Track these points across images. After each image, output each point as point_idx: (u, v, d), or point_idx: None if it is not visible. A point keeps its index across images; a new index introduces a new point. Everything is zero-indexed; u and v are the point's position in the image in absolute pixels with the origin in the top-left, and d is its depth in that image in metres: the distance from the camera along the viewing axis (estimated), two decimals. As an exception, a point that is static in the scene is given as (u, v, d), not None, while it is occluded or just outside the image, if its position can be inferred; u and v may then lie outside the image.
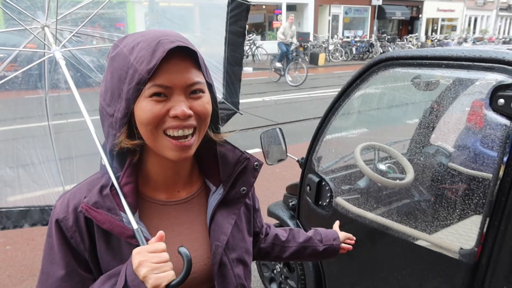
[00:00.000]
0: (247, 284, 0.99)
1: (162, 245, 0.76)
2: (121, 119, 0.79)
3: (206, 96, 0.83)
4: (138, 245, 0.80)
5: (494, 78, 1.24)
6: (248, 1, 1.98)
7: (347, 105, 1.91)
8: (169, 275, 0.74)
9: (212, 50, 2.12)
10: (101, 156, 0.89)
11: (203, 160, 0.97)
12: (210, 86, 0.86)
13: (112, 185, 0.83)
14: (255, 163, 0.95)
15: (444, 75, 1.59)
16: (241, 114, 2.20)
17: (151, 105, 0.76)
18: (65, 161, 1.93)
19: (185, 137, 0.80)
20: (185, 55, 0.79)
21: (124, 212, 0.81)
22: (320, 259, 1.35)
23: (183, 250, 0.79)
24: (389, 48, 19.69)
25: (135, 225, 0.80)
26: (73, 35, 1.68)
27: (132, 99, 0.77)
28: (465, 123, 2.24)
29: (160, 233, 0.78)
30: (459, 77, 1.72)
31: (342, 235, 1.35)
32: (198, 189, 0.95)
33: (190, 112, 0.78)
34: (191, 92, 0.79)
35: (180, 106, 0.77)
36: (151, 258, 0.74)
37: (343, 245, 1.33)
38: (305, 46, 18.50)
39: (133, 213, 0.82)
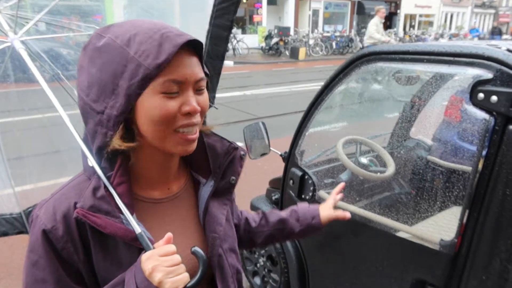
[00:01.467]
0: (239, 267, 1.01)
1: (173, 248, 0.74)
2: (116, 116, 0.73)
3: (206, 92, 0.82)
4: (138, 248, 0.77)
5: (474, 73, 1.27)
6: None
7: (330, 99, 1.93)
8: (184, 277, 0.73)
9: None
10: (83, 156, 0.82)
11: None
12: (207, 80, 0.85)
13: (105, 186, 0.78)
14: (242, 152, 0.95)
15: (425, 70, 1.62)
16: (216, 108, 2.17)
17: (164, 102, 0.73)
18: (15, 162, 1.79)
19: (192, 132, 0.79)
20: (191, 49, 0.77)
21: (122, 214, 0.77)
22: (302, 238, 1.30)
23: (197, 250, 0.78)
24: (369, 43, 19.92)
25: (138, 229, 0.76)
26: (35, 25, 1.51)
27: (134, 96, 0.72)
28: (445, 118, 2.29)
29: (168, 235, 0.75)
30: (440, 72, 1.75)
31: (328, 210, 1.27)
32: (185, 182, 0.94)
33: (199, 108, 0.77)
34: (198, 88, 0.78)
35: (191, 102, 0.75)
36: (164, 262, 0.72)
37: (338, 213, 1.27)
38: (286, 41, 18.53)
39: (131, 214, 0.78)
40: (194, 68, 0.76)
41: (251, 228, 1.21)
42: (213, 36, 1.99)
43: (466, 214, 1.29)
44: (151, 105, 0.73)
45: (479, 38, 23.03)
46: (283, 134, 4.32)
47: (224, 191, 0.95)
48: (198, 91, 0.79)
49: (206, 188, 0.92)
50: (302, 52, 17.81)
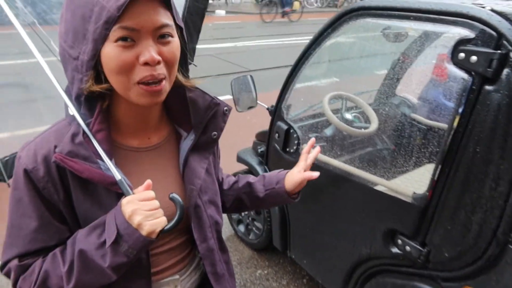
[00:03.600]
0: (219, 219, 1.04)
1: (152, 194, 0.78)
2: (87, 61, 0.74)
3: (175, 41, 0.79)
4: (117, 192, 0.81)
5: (458, 32, 1.28)
6: None
7: (318, 54, 1.93)
8: (162, 221, 0.77)
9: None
10: (65, 104, 0.83)
11: (172, 106, 0.96)
12: (181, 30, 0.83)
13: (84, 132, 0.79)
14: (225, 108, 0.95)
15: (413, 28, 1.62)
16: (196, 66, 2.12)
17: (118, 52, 0.72)
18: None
19: (156, 83, 0.76)
20: None
21: (101, 159, 0.79)
22: (270, 206, 1.21)
23: (175, 196, 0.82)
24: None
25: (118, 176, 0.79)
26: None
27: (100, 40, 0.72)
28: (430, 76, 2.31)
29: (148, 181, 0.78)
30: (427, 30, 1.76)
31: (295, 175, 1.16)
32: (167, 135, 0.96)
33: (159, 58, 0.74)
34: (160, 36, 0.75)
35: (149, 51, 0.73)
36: (143, 206, 0.76)
37: (305, 175, 1.15)
38: (280, -9, 17.97)
39: (110, 160, 0.80)
40: (154, 15, 0.73)
41: (223, 190, 1.21)
42: None
43: (439, 169, 1.35)
44: (108, 54, 0.73)
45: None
46: (273, 88, 4.33)
47: (206, 145, 0.97)
48: (160, 38, 0.75)
49: (187, 142, 0.94)
50: (296, 4, 17.31)
